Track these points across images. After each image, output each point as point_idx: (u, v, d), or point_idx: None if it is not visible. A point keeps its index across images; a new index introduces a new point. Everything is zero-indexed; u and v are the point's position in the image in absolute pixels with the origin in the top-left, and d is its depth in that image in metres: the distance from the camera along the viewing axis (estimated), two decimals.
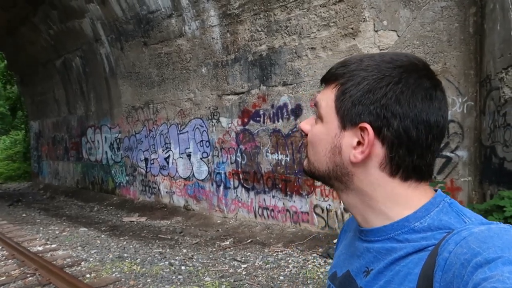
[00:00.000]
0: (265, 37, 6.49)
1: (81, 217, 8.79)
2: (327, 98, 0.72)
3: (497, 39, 4.59)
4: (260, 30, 6.53)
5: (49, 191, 13.31)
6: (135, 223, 7.93)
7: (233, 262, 5.15)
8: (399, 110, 0.65)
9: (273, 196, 6.67)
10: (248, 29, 6.69)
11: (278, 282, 4.39)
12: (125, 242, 6.34)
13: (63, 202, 11.22)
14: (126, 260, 5.28)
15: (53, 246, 6.24)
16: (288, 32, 6.15)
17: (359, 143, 0.68)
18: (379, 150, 0.67)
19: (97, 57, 10.50)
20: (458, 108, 5.13)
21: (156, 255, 5.55)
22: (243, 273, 4.74)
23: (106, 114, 10.90)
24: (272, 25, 6.33)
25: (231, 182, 7.44)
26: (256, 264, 5.01)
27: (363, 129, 0.67)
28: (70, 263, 5.23)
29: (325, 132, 0.72)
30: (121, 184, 10.59)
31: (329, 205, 5.87)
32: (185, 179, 8.50)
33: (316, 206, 6.05)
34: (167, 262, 5.16)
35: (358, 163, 0.69)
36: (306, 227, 6.20)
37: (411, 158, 0.67)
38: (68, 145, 13.29)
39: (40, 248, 6.10)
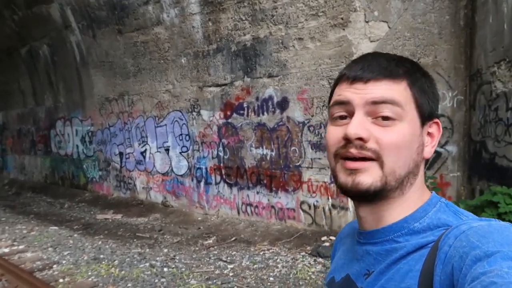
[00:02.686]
0: (250, 27, 6.21)
1: (51, 215, 8.27)
2: (402, 95, 0.68)
3: (489, 32, 4.51)
4: (244, 19, 6.24)
5: (14, 186, 12.55)
6: (110, 220, 7.51)
7: (219, 263, 4.90)
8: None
9: (258, 192, 6.44)
10: (232, 18, 6.38)
11: (269, 283, 4.18)
12: (100, 242, 5.95)
13: (30, 199, 10.57)
14: (103, 262, 4.92)
15: (20, 247, 5.77)
16: (274, 22, 5.89)
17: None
18: None
19: (66, 45, 9.87)
20: (448, 103, 5.06)
21: (135, 256, 5.22)
22: (230, 274, 4.50)
23: (77, 106, 10.31)
24: (257, 14, 6.05)
25: (213, 178, 7.15)
26: (243, 264, 4.78)
27: (431, 125, 0.72)
28: (40, 266, 4.82)
29: (412, 132, 0.68)
30: (94, 179, 10.07)
31: (317, 201, 5.70)
32: (163, 174, 8.13)
33: (302, 202, 5.86)
34: (147, 264, 4.85)
35: (424, 159, 0.71)
36: (292, 224, 6.02)
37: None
38: (35, 138, 12.55)
39: (6, 250, 5.63)
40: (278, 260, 4.85)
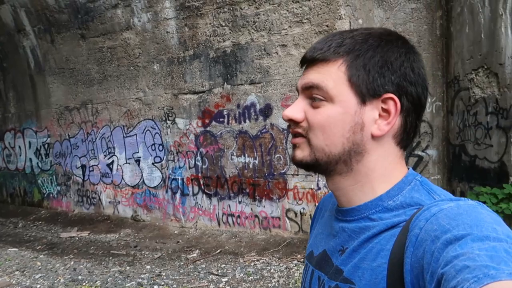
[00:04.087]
0: (230, 33, 6.11)
1: (5, 236, 7.48)
2: (333, 77, 0.68)
3: (466, 41, 4.76)
4: (224, 25, 6.12)
5: None
6: (77, 238, 6.94)
7: (210, 276, 4.66)
8: (413, 78, 0.68)
9: (240, 202, 6.28)
10: (210, 24, 6.24)
11: None
12: (72, 262, 5.45)
13: None
14: (84, 284, 4.49)
15: None
16: (256, 28, 5.84)
17: (379, 115, 0.68)
18: (397, 119, 0.69)
19: (19, 51, 9.13)
20: (427, 108, 5.27)
21: (116, 275, 4.83)
22: (227, 287, 4.30)
23: (31, 116, 9.53)
24: (238, 20, 5.97)
25: (190, 189, 6.87)
26: (237, 277, 4.59)
27: (385, 101, 0.68)
28: None
29: (341, 112, 0.68)
30: (51, 195, 9.31)
31: (303, 208, 5.66)
32: (133, 187, 7.70)
33: (288, 210, 5.79)
34: (134, 282, 4.50)
35: (379, 137, 0.69)
36: (277, 233, 5.92)
37: (417, 123, 0.71)
38: None
39: None
40: (272, 270, 4.71)
